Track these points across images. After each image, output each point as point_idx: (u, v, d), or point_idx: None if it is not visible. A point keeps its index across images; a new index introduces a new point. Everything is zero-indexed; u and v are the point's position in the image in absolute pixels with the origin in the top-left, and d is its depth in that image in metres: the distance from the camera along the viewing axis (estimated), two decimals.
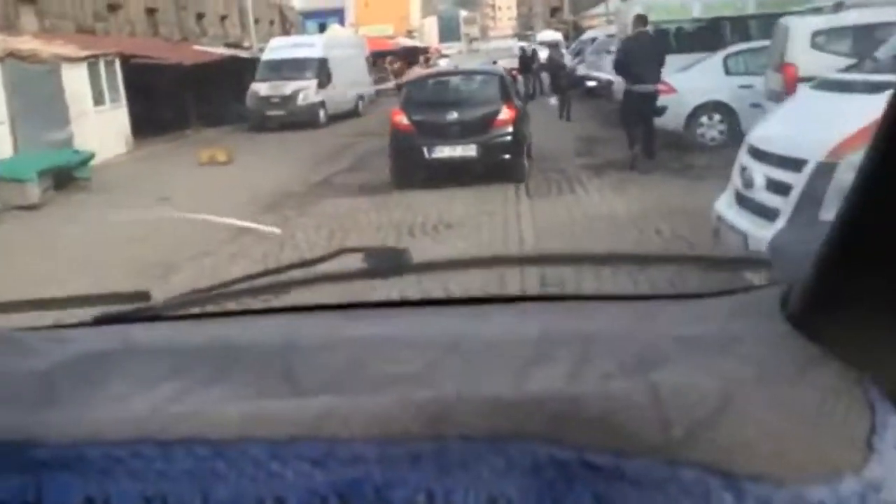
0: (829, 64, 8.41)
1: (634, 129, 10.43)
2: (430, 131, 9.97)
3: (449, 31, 64.87)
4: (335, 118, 21.05)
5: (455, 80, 11.48)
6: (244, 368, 0.87)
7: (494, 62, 19.53)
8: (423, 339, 0.93)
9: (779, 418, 0.62)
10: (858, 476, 0.58)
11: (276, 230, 8.01)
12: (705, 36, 14.67)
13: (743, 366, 0.70)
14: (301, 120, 19.96)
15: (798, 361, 0.69)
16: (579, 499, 0.61)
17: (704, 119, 11.51)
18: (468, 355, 0.85)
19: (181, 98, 19.28)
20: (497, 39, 50.62)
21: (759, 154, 4.41)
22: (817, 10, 9.34)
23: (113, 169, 14.38)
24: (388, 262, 1.13)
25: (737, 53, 11.79)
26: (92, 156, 13.02)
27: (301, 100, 20.48)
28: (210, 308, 1.20)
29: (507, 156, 9.90)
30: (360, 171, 12.53)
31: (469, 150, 9.83)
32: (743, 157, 4.62)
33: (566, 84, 18.27)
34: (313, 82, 20.82)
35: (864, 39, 7.99)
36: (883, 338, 0.66)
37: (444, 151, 9.90)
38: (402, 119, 10.27)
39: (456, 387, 0.75)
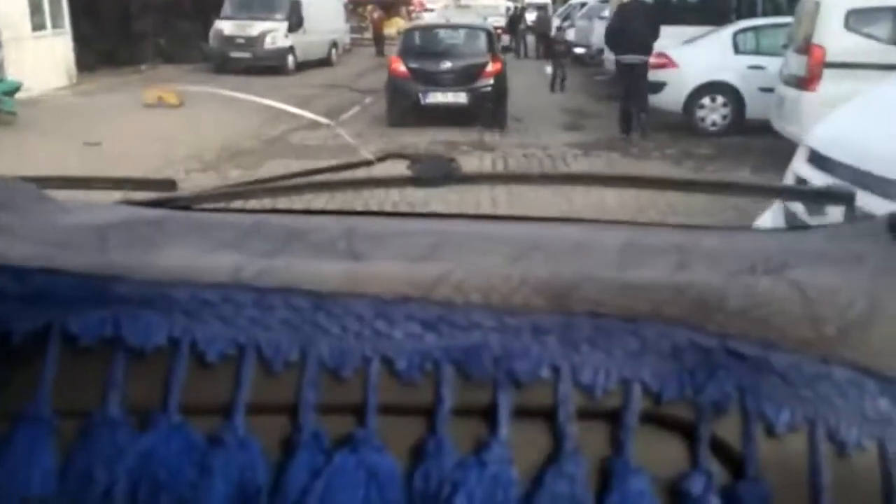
0: (864, 49, 7.36)
1: (627, 102, 10.18)
2: (424, 78, 10.92)
3: None
4: (305, 66, 19.71)
5: (448, 32, 12.30)
6: (308, 247, 0.78)
7: (485, 19, 19.82)
8: (501, 236, 0.84)
9: None
10: None
11: None
12: (711, 7, 13.52)
13: (881, 279, 0.68)
14: (268, 65, 18.62)
15: None
16: (722, 388, 0.58)
17: (706, 101, 10.37)
18: (555, 254, 0.77)
19: (138, 29, 17.67)
20: None
21: (827, 164, 3.28)
22: None
23: (47, 103, 12.97)
24: (435, 171, 1.05)
25: (748, 30, 10.59)
26: (18, 87, 11.62)
27: (268, 43, 19.05)
28: (241, 205, 1.11)
29: (492, 104, 10.88)
30: (322, 127, 11.24)
31: (460, 98, 10.86)
32: (800, 166, 3.48)
33: (561, 51, 16.09)
34: (283, 24, 19.36)
35: None
36: None
37: (437, 97, 10.91)
38: (400, 66, 11.14)
39: (575, 269, 0.67)
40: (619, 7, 10.70)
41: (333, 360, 0.62)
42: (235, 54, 18.72)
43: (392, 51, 21.62)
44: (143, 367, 0.63)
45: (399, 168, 1.05)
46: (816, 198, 1.12)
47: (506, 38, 19.62)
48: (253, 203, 1.11)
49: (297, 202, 1.21)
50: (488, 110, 10.85)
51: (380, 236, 0.82)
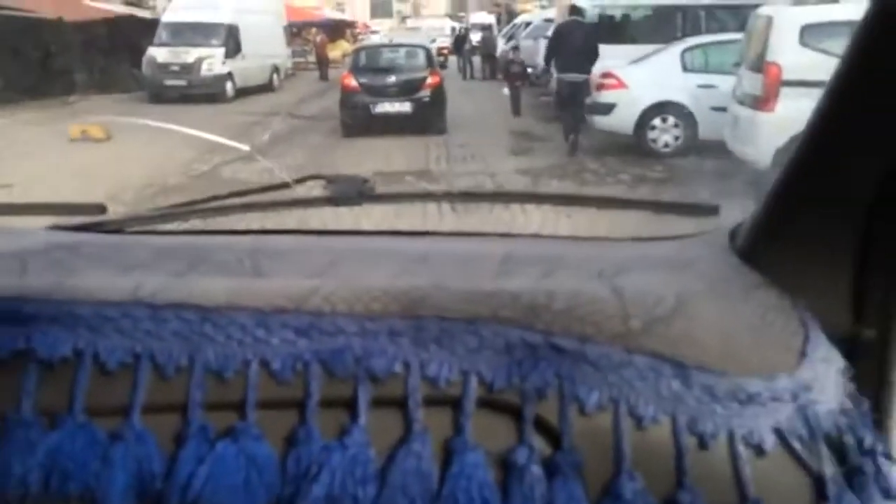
0: (821, 65, 7.05)
1: (567, 119, 10.53)
2: (373, 91, 12.44)
3: (381, 6, 63.08)
4: (245, 92, 19.04)
5: (392, 50, 14.04)
6: (214, 267, 0.87)
7: (434, 40, 22.33)
8: (393, 251, 0.96)
9: (725, 323, 0.73)
10: (792, 377, 0.69)
11: None
12: (656, 25, 13.34)
13: (696, 282, 0.80)
14: (205, 92, 17.93)
15: (743, 285, 0.79)
16: (544, 376, 0.70)
17: (657, 121, 10.02)
18: (438, 266, 0.87)
19: (65, 59, 16.82)
20: (430, 18, 49.96)
21: None
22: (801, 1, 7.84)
23: None
24: (352, 190, 1.13)
25: (696, 47, 10.30)
26: None
27: (205, 69, 18.38)
28: (168, 227, 1.17)
29: (433, 112, 12.33)
30: (257, 160, 10.61)
31: (405, 107, 12.32)
32: None
33: (517, 72, 14.56)
34: (220, 50, 18.76)
35: None
36: (816, 271, 0.76)
37: (385, 107, 12.38)
38: (351, 81, 12.74)
39: (432, 282, 0.79)
40: (557, 27, 11.14)
41: (218, 364, 0.73)
42: (170, 82, 18.04)
43: (336, 74, 21.88)
44: (51, 376, 0.74)
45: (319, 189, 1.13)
46: (684, 211, 1.24)
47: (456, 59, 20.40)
48: (182, 225, 1.17)
49: (225, 223, 1.15)
50: (430, 117, 12.18)
51: (283, 254, 0.94)
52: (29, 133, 13.34)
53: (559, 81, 10.57)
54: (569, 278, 0.81)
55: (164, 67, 18.16)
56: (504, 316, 0.72)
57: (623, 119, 10.06)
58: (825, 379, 0.70)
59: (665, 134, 10.02)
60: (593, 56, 10.13)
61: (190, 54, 18.30)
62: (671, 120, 9.99)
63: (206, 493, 0.70)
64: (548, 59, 10.73)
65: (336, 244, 1.05)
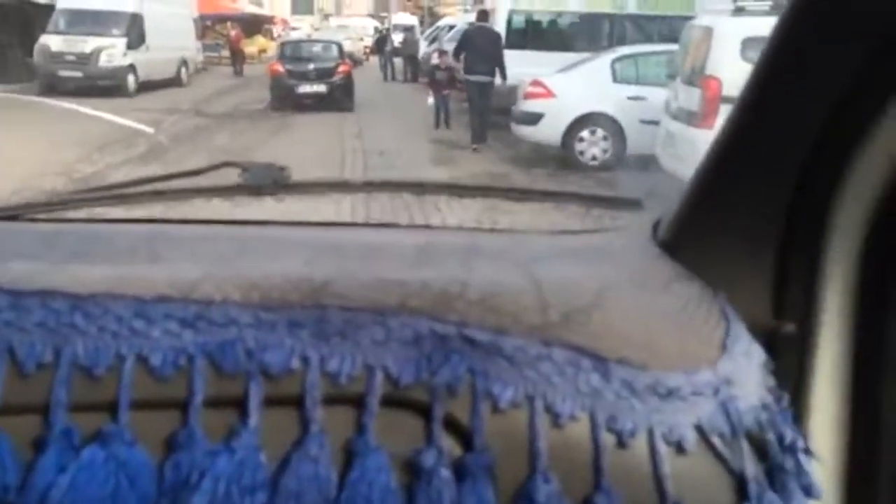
0: None
1: (473, 120, 10.93)
2: (297, 75, 15.55)
3: (302, 3, 61.94)
4: (149, 86, 17.91)
5: (311, 44, 17.61)
6: (102, 255, 0.79)
7: (361, 38, 26.01)
8: (304, 241, 0.91)
9: (646, 315, 0.70)
10: (713, 370, 0.66)
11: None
12: (582, 33, 13.01)
13: (616, 272, 0.78)
14: (104, 85, 16.72)
15: (665, 276, 0.77)
16: (455, 370, 0.65)
17: (586, 133, 9.55)
18: (349, 256, 0.82)
19: None
20: (353, 17, 49.81)
21: None
22: (740, 11, 7.37)
23: None
24: (266, 178, 1.08)
25: (627, 58, 9.88)
26: None
27: (104, 60, 17.19)
28: (72, 215, 1.08)
29: (343, 93, 15.68)
30: (155, 161, 9.62)
31: (321, 88, 15.52)
32: None
33: (443, 79, 12.67)
34: (121, 41, 17.57)
35: None
36: (734, 263, 0.75)
37: (306, 88, 15.51)
38: (279, 67, 15.81)
39: (339, 268, 0.74)
40: (465, 31, 11.90)
41: (88, 359, 0.65)
42: (65, 73, 16.84)
43: (252, 70, 21.91)
44: None
45: (232, 177, 1.08)
46: (609, 204, 1.19)
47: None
48: (82, 213, 1.06)
49: (130, 213, 0.97)
50: (341, 98, 15.46)
51: (183, 242, 0.85)
52: None
53: (467, 82, 11.04)
54: (485, 268, 0.77)
55: (58, 57, 16.93)
56: (414, 306, 0.68)
57: (550, 130, 9.56)
58: (746, 373, 0.69)
59: (593, 147, 9.56)
60: (499, 59, 10.61)
61: (87, 43, 17.14)
62: (600, 132, 9.53)
63: None
64: (456, 54, 11.40)
65: (244, 233, 0.99)
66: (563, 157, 9.60)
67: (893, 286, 0.70)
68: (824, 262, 0.70)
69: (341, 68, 15.94)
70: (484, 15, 11.73)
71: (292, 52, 16.54)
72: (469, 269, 0.76)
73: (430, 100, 12.76)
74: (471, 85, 10.86)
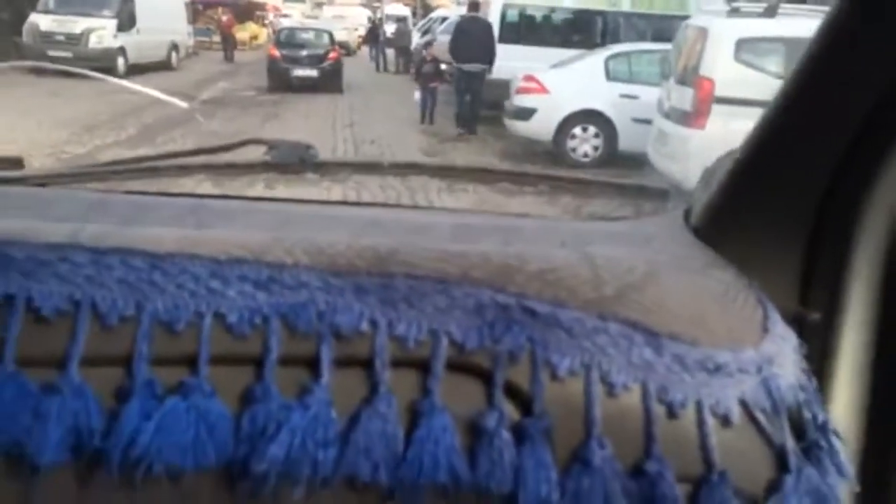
0: (756, 83, 6.61)
1: (462, 105, 11.17)
2: (291, 60, 16.79)
3: None
4: (139, 69, 17.62)
5: (305, 31, 18.94)
6: (154, 220, 0.81)
7: (356, 28, 27.17)
8: (344, 217, 0.94)
9: (694, 295, 0.73)
10: (757, 349, 0.70)
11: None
12: (575, 29, 12.99)
13: (659, 255, 0.81)
14: (93, 66, 16.30)
15: (703, 262, 0.80)
16: (516, 339, 0.69)
17: (578, 130, 9.56)
18: (394, 230, 0.83)
19: None
20: (346, 7, 49.57)
21: None
22: (735, 12, 7.39)
23: None
24: (293, 156, 1.10)
25: (620, 55, 9.89)
26: None
27: (94, 42, 16.98)
28: (95, 185, 1.09)
29: (333, 77, 17.03)
30: (146, 144, 9.55)
31: (313, 72, 16.83)
32: None
33: (430, 73, 12.28)
34: (112, 22, 17.32)
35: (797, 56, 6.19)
36: (764, 253, 0.78)
37: (299, 72, 16.67)
38: (276, 52, 17.09)
39: (398, 240, 0.75)
40: (458, 22, 12.20)
41: (168, 315, 0.68)
42: (54, 53, 16.49)
43: (244, 56, 22.23)
44: None
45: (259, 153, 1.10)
46: (636, 193, 1.20)
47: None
48: (108, 186, 1.06)
49: (153, 186, 0.98)
50: (331, 81, 16.81)
51: (228, 213, 0.89)
52: None
53: (458, 70, 11.20)
54: (532, 246, 0.79)
55: (47, 36, 16.69)
56: (475, 276, 0.70)
57: (543, 126, 9.56)
58: (785, 354, 0.71)
59: (585, 144, 9.59)
60: (491, 48, 10.99)
61: (77, 24, 16.89)
62: (592, 130, 9.55)
63: (151, 452, 0.66)
64: (452, 50, 11.40)
65: (283, 209, 0.99)
66: (555, 153, 9.60)
67: None
68: (852, 257, 0.73)
69: (331, 55, 17.38)
70: (475, 6, 11.85)
71: (287, 39, 17.83)
72: (517, 247, 0.78)
73: (417, 94, 12.42)
74: (462, 74, 11.05)
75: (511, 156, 9.79)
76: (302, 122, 12.20)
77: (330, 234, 0.77)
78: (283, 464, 0.66)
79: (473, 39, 10.94)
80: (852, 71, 0.68)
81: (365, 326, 0.68)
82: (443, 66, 12.70)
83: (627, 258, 0.76)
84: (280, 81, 16.31)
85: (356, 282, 0.69)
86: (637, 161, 8.10)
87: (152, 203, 0.92)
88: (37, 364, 0.68)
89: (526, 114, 9.66)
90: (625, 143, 9.20)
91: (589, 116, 9.51)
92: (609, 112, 9.40)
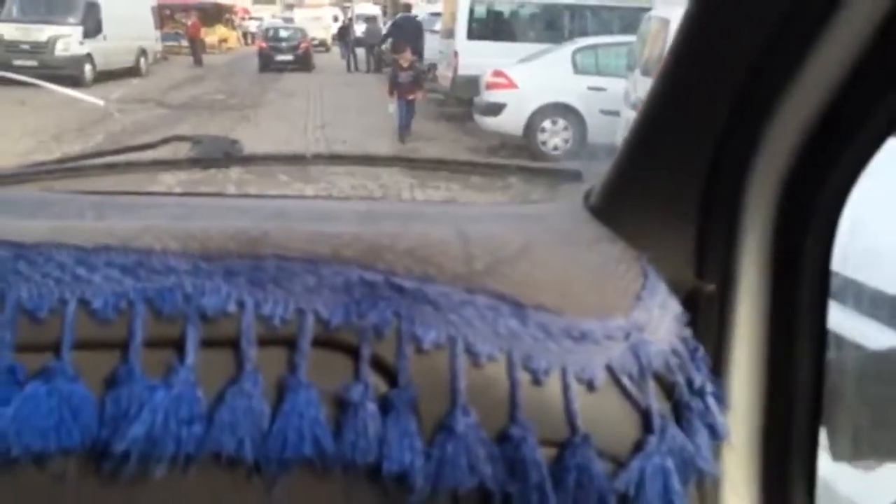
0: None
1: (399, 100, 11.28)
2: (275, 50, 24.09)
3: None
4: (107, 76, 17.51)
5: (284, 29, 25.88)
6: (53, 216, 0.83)
7: (330, 27, 31.82)
8: (249, 208, 0.96)
9: (566, 268, 0.76)
10: (626, 317, 0.72)
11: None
12: (543, 23, 13.08)
13: (544, 232, 0.84)
14: (60, 74, 16.20)
15: (590, 237, 0.82)
16: (382, 314, 0.70)
17: (547, 124, 9.65)
18: (291, 219, 0.85)
19: None
20: (315, 8, 49.51)
21: None
22: None
23: None
24: (217, 151, 1.12)
25: (587, 48, 9.99)
26: None
27: (60, 49, 16.77)
28: (26, 186, 1.13)
29: (305, 60, 24.15)
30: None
31: (290, 57, 23.98)
32: None
33: (406, 82, 10.76)
34: (78, 29, 17.13)
35: None
36: (658, 228, 0.79)
37: (280, 57, 23.80)
38: (264, 44, 24.50)
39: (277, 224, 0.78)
40: (395, 20, 14.87)
41: (31, 303, 0.69)
42: (19, 62, 16.24)
43: (213, 60, 23.86)
44: None
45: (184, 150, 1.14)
46: (550, 175, 1.22)
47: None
48: (38, 186, 1.09)
49: (77, 186, 1.00)
50: (304, 63, 23.78)
51: (130, 208, 0.89)
52: None
53: (394, 61, 12.41)
54: (418, 226, 0.81)
55: (12, 46, 16.47)
56: (345, 256, 0.72)
57: (513, 120, 9.64)
58: (659, 322, 0.73)
59: (555, 137, 9.68)
60: (421, 43, 13.83)
61: (43, 32, 16.68)
62: (561, 122, 9.64)
63: (10, 436, 0.67)
64: (383, 40, 14.53)
65: (191, 202, 1.01)
66: (526, 146, 9.68)
67: (803, 252, 0.74)
68: (741, 227, 0.75)
69: (303, 45, 24.81)
70: (407, 6, 15.58)
71: (271, 35, 25.10)
72: (403, 228, 0.79)
73: (392, 107, 11.06)
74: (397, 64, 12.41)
75: (483, 152, 9.84)
76: (273, 124, 12.17)
77: (228, 222, 0.78)
78: (144, 442, 0.67)
79: (407, 34, 13.61)
80: (724, 43, 0.70)
81: (232, 307, 0.69)
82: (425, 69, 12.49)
83: (504, 235, 0.78)
84: (267, 64, 23.24)
85: (226, 265, 0.70)
86: (607, 152, 8.19)
87: (57, 199, 0.92)
88: None
89: (495, 109, 9.73)
90: (594, 134, 9.29)
91: (558, 109, 9.60)
92: (577, 105, 9.50)
